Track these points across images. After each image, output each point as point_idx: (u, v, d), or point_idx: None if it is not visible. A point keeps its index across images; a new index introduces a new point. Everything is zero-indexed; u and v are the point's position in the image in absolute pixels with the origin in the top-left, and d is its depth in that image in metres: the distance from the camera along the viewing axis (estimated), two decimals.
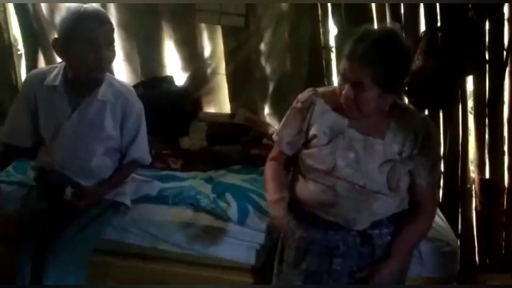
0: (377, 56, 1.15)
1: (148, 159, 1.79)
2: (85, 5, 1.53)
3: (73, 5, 1.52)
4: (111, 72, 2.59)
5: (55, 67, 1.66)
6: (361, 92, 1.19)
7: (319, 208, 1.32)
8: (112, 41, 1.56)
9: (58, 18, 1.56)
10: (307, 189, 1.33)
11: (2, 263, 1.59)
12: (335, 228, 1.31)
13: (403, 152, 1.28)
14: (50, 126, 1.66)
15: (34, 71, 1.74)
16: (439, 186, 2.32)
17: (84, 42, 1.48)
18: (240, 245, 1.70)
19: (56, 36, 1.54)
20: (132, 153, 1.72)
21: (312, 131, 1.31)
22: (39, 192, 1.72)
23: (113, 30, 1.56)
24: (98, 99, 1.61)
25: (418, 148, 1.28)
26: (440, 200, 2.35)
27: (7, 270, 1.47)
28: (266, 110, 2.70)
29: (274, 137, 1.41)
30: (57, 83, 1.60)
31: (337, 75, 1.27)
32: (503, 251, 2.35)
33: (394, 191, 1.27)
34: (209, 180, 2.03)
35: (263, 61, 2.62)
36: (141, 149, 1.74)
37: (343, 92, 1.22)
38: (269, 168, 1.43)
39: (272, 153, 1.44)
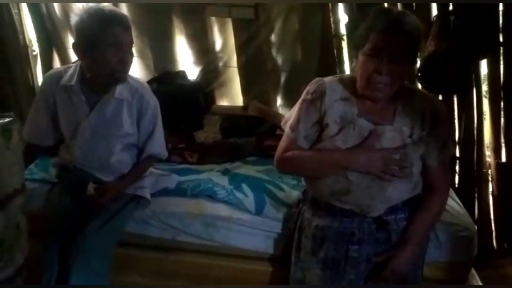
0: (416, 24, 1.22)
1: (165, 154, 1.82)
2: (104, 7, 1.55)
3: (92, 7, 1.54)
4: None
5: (71, 66, 1.70)
6: (399, 63, 1.21)
7: (333, 197, 1.33)
8: (132, 43, 1.60)
9: (73, 18, 1.56)
10: (320, 179, 1.34)
11: (29, 259, 1.64)
12: (350, 216, 1.33)
13: (414, 134, 1.28)
14: (69, 124, 1.70)
15: (51, 71, 1.77)
16: (454, 170, 2.31)
17: (109, 46, 1.52)
18: (258, 235, 1.72)
19: (75, 38, 1.57)
20: (150, 148, 1.75)
21: (325, 121, 1.32)
22: (62, 189, 1.76)
23: (131, 32, 1.60)
24: (115, 97, 1.65)
25: (427, 128, 1.29)
26: (457, 185, 2.35)
27: (35, 265, 1.52)
28: (279, 101, 2.71)
29: (289, 132, 1.37)
30: (73, 82, 1.63)
31: (364, 53, 1.23)
32: None
33: (407, 176, 1.28)
34: (225, 172, 2.05)
35: (274, 52, 2.63)
36: (158, 144, 1.77)
37: (377, 67, 1.20)
38: (295, 154, 1.33)
39: (284, 151, 1.36)
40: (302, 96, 1.37)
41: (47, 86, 1.70)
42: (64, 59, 2.78)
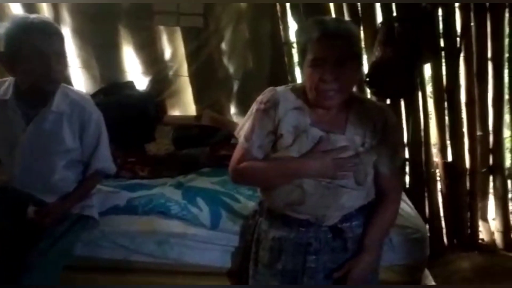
0: (352, 28, 1.26)
1: (112, 169, 1.75)
2: (32, 16, 1.48)
3: (19, 15, 1.48)
4: (68, 81, 2.53)
5: (5, 80, 1.60)
6: (343, 68, 1.21)
7: (289, 207, 1.32)
8: (62, 52, 1.51)
9: (2, 28, 1.48)
10: (275, 190, 1.33)
11: None
12: (306, 226, 1.32)
13: (366, 143, 1.30)
14: (5, 142, 1.60)
15: None
16: (404, 173, 2.39)
17: (31, 54, 1.43)
18: (214, 250, 1.68)
19: (1, 49, 1.48)
20: (95, 164, 1.67)
21: (279, 131, 1.30)
22: (1, 212, 1.64)
23: (62, 41, 1.51)
24: (52, 111, 1.56)
25: (379, 136, 1.30)
26: (407, 186, 2.42)
27: None
28: (232, 109, 2.70)
29: (243, 142, 1.34)
30: (8, 97, 1.55)
31: (307, 65, 1.24)
32: (469, 231, 2.45)
33: (362, 184, 1.29)
34: (178, 185, 1.99)
35: (225, 60, 2.62)
36: (104, 159, 1.69)
37: (322, 75, 1.21)
38: (249, 164, 1.32)
39: (238, 161, 1.33)
40: (255, 105, 1.35)
41: None
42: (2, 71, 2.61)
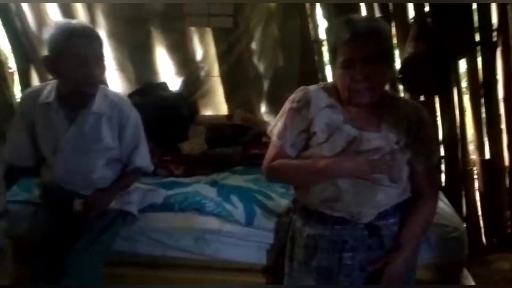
0: (380, 27, 1.25)
1: (150, 167, 1.79)
2: (74, 21, 1.54)
3: (61, 21, 1.54)
4: (105, 83, 2.61)
5: (48, 84, 1.67)
6: (374, 67, 1.21)
7: (323, 205, 1.32)
8: (101, 56, 1.56)
9: (44, 32, 1.55)
10: (309, 187, 1.33)
11: (18, 284, 1.59)
12: (342, 223, 1.32)
13: (400, 140, 1.29)
14: (49, 143, 1.66)
15: (28, 90, 1.75)
16: (440, 171, 2.33)
17: (73, 59, 1.49)
18: (249, 246, 1.70)
19: (45, 53, 1.55)
20: (134, 162, 1.72)
21: (312, 129, 1.31)
22: (47, 210, 1.71)
23: (101, 45, 1.56)
24: (93, 112, 1.62)
25: (413, 134, 1.30)
26: (443, 184, 2.37)
27: None
28: (263, 108, 2.71)
29: (276, 140, 1.36)
30: (51, 99, 1.61)
31: (338, 66, 1.25)
32: (509, 230, 2.36)
33: (396, 181, 1.28)
34: (213, 183, 2.03)
35: (255, 59, 2.64)
36: (143, 157, 1.74)
37: (353, 76, 1.22)
38: (282, 162, 1.32)
39: (272, 159, 1.34)
40: (287, 104, 1.36)
41: (25, 105, 1.67)
42: (43, 75, 2.71)
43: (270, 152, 1.38)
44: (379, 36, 1.23)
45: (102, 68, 1.58)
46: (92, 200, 1.64)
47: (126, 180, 1.75)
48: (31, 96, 1.66)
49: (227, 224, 1.73)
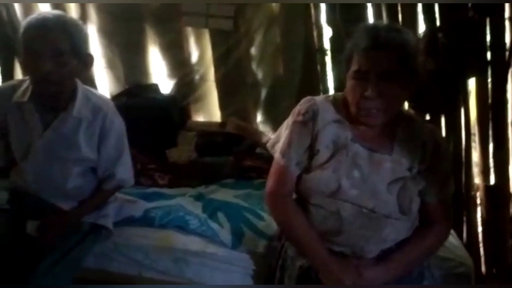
0: (405, 39, 1.11)
1: (131, 181, 1.65)
2: (47, 12, 1.40)
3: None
4: (92, 81, 2.49)
5: (25, 80, 1.53)
6: (389, 84, 1.08)
7: (323, 237, 1.19)
8: (60, 51, 1.35)
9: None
10: (308, 215, 1.21)
11: None
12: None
13: (413, 167, 1.17)
14: (21, 145, 1.53)
15: (3, 84, 1.60)
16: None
17: (27, 53, 1.35)
18: (234, 272, 1.57)
19: None
20: (114, 176, 1.58)
21: (316, 146, 1.19)
22: (13, 218, 1.57)
23: (63, 38, 1.35)
24: (72, 116, 1.47)
25: (428, 161, 1.18)
26: None
27: None
28: (259, 117, 2.62)
29: (279, 158, 1.22)
30: (25, 99, 1.47)
31: (350, 76, 1.13)
32: (511, 260, 2.26)
33: (406, 214, 1.15)
34: (199, 197, 1.90)
35: (254, 66, 2.54)
36: (124, 170, 1.60)
37: (364, 90, 1.09)
38: (287, 211, 1.23)
39: (277, 181, 1.23)
40: (292, 117, 1.24)
41: None
42: None
43: (274, 172, 1.26)
44: (403, 50, 1.09)
45: (64, 65, 1.37)
46: (51, 223, 1.48)
47: (102, 197, 1.61)
48: (4, 93, 1.52)
49: (211, 245, 1.60)
